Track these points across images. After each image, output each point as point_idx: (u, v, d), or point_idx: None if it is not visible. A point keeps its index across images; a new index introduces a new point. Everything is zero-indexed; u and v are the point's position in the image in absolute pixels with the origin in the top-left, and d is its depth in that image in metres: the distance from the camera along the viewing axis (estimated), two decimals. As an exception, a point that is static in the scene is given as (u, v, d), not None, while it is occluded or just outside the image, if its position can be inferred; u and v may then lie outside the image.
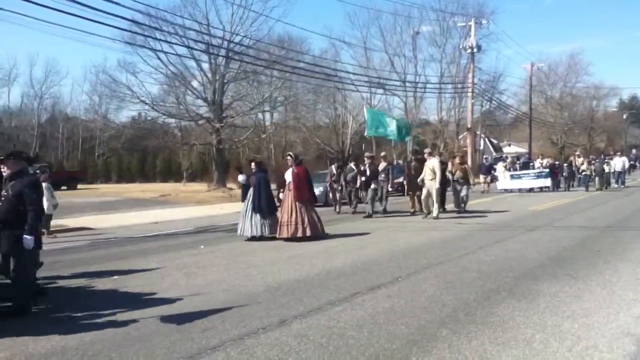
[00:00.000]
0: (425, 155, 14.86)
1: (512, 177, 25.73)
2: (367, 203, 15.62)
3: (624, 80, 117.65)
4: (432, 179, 13.95)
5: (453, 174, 15.66)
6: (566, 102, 62.67)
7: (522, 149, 51.11)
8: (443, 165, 15.25)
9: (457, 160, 16.30)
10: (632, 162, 46.35)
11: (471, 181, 16.03)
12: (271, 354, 4.26)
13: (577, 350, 4.23)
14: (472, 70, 36.11)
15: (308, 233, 10.51)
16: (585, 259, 8.06)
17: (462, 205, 15.60)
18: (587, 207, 17.19)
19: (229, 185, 32.38)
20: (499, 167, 27.09)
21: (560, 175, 27.26)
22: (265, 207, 10.89)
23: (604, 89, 66.52)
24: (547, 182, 25.00)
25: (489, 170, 27.40)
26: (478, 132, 44.25)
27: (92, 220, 16.53)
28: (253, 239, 10.82)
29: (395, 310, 5.38)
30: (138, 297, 6.26)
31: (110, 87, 39.02)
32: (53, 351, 4.48)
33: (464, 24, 39.54)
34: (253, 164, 11.65)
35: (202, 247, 10.28)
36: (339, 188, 17.42)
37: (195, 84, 34.46)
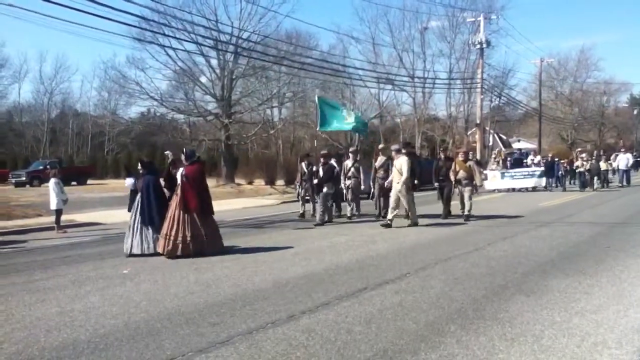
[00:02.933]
0: (393, 153, 12.30)
1: (503, 175, 23.74)
2: (321, 212, 12.86)
3: (635, 76, 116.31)
4: (399, 181, 11.70)
5: (456, 174, 13.38)
6: (576, 97, 62.32)
7: (532, 145, 50.80)
8: (449, 162, 13.73)
9: (460, 157, 13.71)
10: (637, 159, 43.95)
11: (478, 181, 13.89)
12: (279, 348, 4.28)
13: (586, 347, 4.22)
14: (481, 65, 35.93)
15: (191, 250, 8.47)
16: (595, 255, 8.03)
17: (463, 209, 13.23)
18: (597, 203, 17.09)
19: (238, 180, 32.47)
20: (490, 164, 25.37)
21: (557, 174, 25.12)
22: (158, 218, 8.88)
23: (615, 84, 66.17)
24: (542, 181, 23.21)
25: (477, 168, 26.23)
26: (487, 128, 44.03)
27: (102, 215, 16.63)
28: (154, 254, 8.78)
29: (403, 306, 5.39)
30: (148, 292, 6.31)
31: (119, 83, 39.20)
32: (65, 344, 4.53)
33: (473, 19, 39.42)
34: (140, 164, 9.63)
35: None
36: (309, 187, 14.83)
37: (203, 80, 34.50)
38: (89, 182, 36.18)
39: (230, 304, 5.62)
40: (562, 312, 5.10)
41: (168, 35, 29.31)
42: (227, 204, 20.38)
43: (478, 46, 35.24)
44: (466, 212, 13.05)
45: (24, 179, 33.41)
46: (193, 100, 34.77)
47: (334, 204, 14.21)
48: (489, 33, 36.38)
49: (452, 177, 13.41)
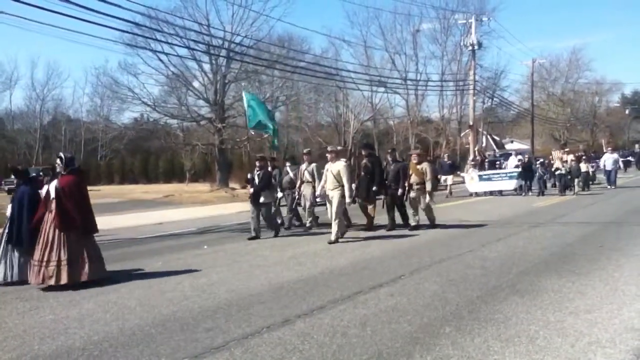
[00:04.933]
0: (329, 156, 10.57)
1: (480, 177, 22.05)
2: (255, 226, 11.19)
3: (626, 76, 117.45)
4: (334, 188, 10.19)
5: (409, 178, 11.70)
6: (568, 98, 62.75)
7: (525, 146, 51.07)
8: (398, 164, 12.08)
9: (413, 160, 11.98)
10: (627, 159, 42.35)
11: (428, 186, 11.60)
12: (275, 353, 4.28)
13: (580, 346, 4.24)
14: (473, 67, 36.07)
15: (64, 279, 6.88)
16: (588, 254, 8.07)
17: (416, 215, 11.79)
18: (589, 203, 17.18)
19: (232, 185, 32.45)
20: (467, 165, 23.78)
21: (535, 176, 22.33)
22: (29, 239, 7.31)
23: (606, 84, 66.72)
24: (519, 183, 21.46)
25: (451, 170, 23.56)
26: (480, 129, 44.21)
27: (96, 221, 16.55)
28: None
29: (398, 309, 5.40)
30: (142, 297, 6.29)
31: (111, 89, 39.19)
32: (59, 352, 4.50)
33: (464, 21, 39.56)
34: (13, 174, 7.82)
35: (206, 247, 10.31)
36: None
37: (196, 84, 34.56)
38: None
39: (225, 309, 5.61)
40: (556, 312, 5.12)
41: (160, 41, 29.36)
42: (222, 209, 20.40)
43: (470, 48, 35.38)
44: (412, 223, 11.74)
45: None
46: (186, 105, 34.77)
47: (292, 215, 12.87)
48: (480, 35, 36.56)
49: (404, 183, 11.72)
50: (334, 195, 10.16)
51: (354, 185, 11.10)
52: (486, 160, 25.62)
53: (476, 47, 35.17)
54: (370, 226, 11.77)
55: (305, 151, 13.57)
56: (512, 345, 4.29)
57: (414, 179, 11.67)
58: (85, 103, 60.46)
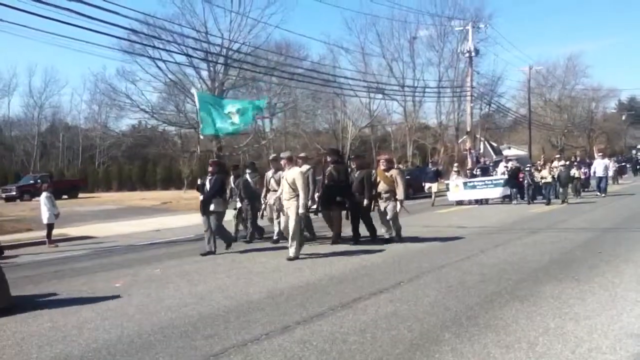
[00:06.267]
0: (283, 162, 9.66)
1: (465, 185, 20.87)
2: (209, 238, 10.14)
3: (623, 82, 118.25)
4: (290, 198, 9.16)
5: (376, 186, 10.73)
6: (565, 104, 62.98)
7: (522, 152, 51.11)
8: (363, 170, 11.02)
9: (381, 167, 10.91)
10: (621, 165, 39.65)
11: (399, 194, 10.49)
12: (275, 360, 4.26)
13: (581, 352, 4.23)
14: (470, 74, 36.18)
15: None
16: (587, 260, 8.06)
17: (389, 230, 10.72)
18: (588, 209, 17.19)
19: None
20: (452, 172, 22.41)
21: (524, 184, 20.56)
22: None
23: (603, 90, 66.96)
24: (505, 191, 20.36)
25: (435, 177, 22.32)
26: (477, 136, 44.28)
27: (94, 228, 16.54)
28: None
29: (397, 315, 5.38)
30: (141, 305, 6.26)
31: (109, 96, 39.31)
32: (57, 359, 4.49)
33: (461, 28, 39.72)
34: None
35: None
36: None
37: (194, 91, 34.59)
38: (80, 195, 35.96)
39: (224, 316, 5.59)
40: (556, 318, 5.11)
41: (158, 48, 29.41)
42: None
43: (467, 54, 35.50)
44: (393, 234, 10.71)
45: (14, 193, 33.19)
46: (184, 112, 34.80)
47: (250, 226, 11.79)
48: (477, 41, 36.68)
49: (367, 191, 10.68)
50: (290, 206, 9.14)
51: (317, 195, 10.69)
52: (477, 167, 24.12)
53: (473, 54, 35.31)
54: (336, 239, 10.83)
55: (271, 157, 12.14)
56: (512, 351, 4.28)
57: (382, 187, 10.67)
58: (83, 110, 60.44)
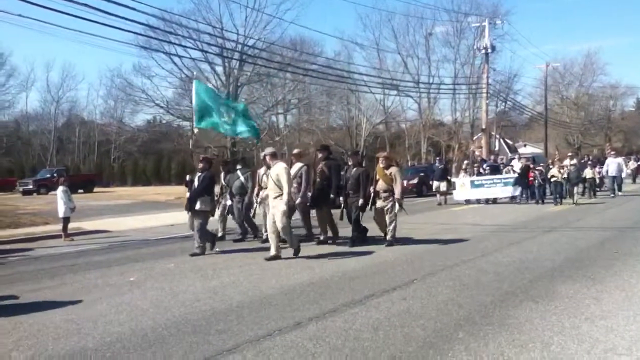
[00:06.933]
0: (267, 158, 9.26)
1: (472, 184, 20.19)
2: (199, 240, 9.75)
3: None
4: (277, 196, 8.74)
5: (375, 184, 10.04)
6: (582, 102, 62.26)
7: (538, 150, 50.70)
8: (361, 168, 10.38)
9: (380, 164, 10.15)
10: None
11: (397, 194, 9.83)
12: (287, 356, 4.27)
13: (596, 353, 4.18)
14: (486, 70, 35.89)
15: None
16: (603, 260, 7.97)
17: (392, 231, 9.95)
18: (604, 208, 16.99)
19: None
20: (460, 170, 22.01)
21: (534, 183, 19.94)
22: None
23: (621, 88, 65.96)
24: (516, 190, 19.67)
25: (443, 175, 21.30)
26: (493, 133, 43.98)
27: (109, 223, 16.69)
28: None
29: (410, 313, 5.36)
30: (155, 299, 6.31)
31: (125, 91, 39.61)
32: (72, 352, 4.53)
33: (477, 24, 39.43)
34: None
35: (217, 249, 10.32)
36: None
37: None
38: (95, 189, 36.32)
39: (237, 311, 5.61)
40: (571, 318, 5.06)
41: (174, 43, 29.56)
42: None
43: (483, 51, 35.21)
44: (388, 237, 9.96)
45: (31, 187, 33.59)
46: (199, 107, 34.87)
47: (247, 224, 11.42)
48: (493, 38, 36.33)
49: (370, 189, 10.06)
50: (276, 205, 8.71)
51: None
52: (485, 164, 22.93)
53: (489, 51, 35.01)
54: (326, 239, 10.47)
55: (262, 155, 10.86)
56: (527, 351, 4.24)
57: (381, 185, 9.97)
58: (99, 105, 61.10)
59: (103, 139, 57.00)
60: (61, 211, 13.26)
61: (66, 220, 13.34)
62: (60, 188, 13.63)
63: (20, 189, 33.96)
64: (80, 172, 45.53)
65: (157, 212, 20.40)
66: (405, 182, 25.39)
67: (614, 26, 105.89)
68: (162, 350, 4.49)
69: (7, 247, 12.18)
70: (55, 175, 32.10)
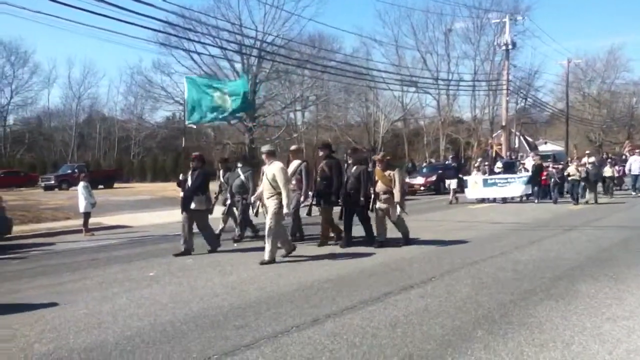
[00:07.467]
0: (264, 157, 8.76)
1: (485, 182, 19.46)
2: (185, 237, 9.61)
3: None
4: (270, 197, 8.33)
5: (374, 185, 9.69)
6: (604, 99, 61.24)
7: (559, 147, 50.02)
8: (358, 167, 9.87)
9: (378, 165, 9.92)
10: None
11: (396, 196, 9.49)
12: (305, 352, 4.27)
13: (618, 354, 4.12)
14: (506, 67, 35.47)
15: None
16: (625, 259, 7.85)
17: (401, 231, 9.82)
18: (627, 207, 16.71)
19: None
20: (473, 168, 21.32)
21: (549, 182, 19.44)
22: None
23: (645, 85, 64.57)
24: (528, 189, 18.87)
25: (455, 173, 20.81)
26: (513, 130, 43.49)
27: (129, 218, 16.86)
28: None
29: (429, 310, 5.33)
30: (174, 294, 6.36)
31: (145, 88, 40.04)
32: (93, 345, 4.59)
33: (498, 20, 39.03)
34: None
35: (235, 245, 10.36)
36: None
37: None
38: (115, 185, 36.72)
39: (254, 307, 5.63)
40: (593, 318, 4.99)
41: (193, 40, 29.73)
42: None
43: (503, 47, 34.80)
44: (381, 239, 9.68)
45: (53, 182, 34.08)
46: (217, 104, 35.07)
47: (239, 225, 10.97)
48: (514, 34, 35.94)
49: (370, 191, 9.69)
50: (270, 205, 8.31)
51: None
52: (501, 161, 22.24)
53: (510, 47, 34.58)
54: (338, 238, 10.06)
55: (261, 151, 10.45)
56: (547, 350, 4.19)
57: (380, 187, 9.65)
58: (120, 102, 61.67)
59: (123, 135, 57.58)
60: (82, 206, 13.43)
61: (87, 215, 13.50)
62: (81, 184, 13.80)
63: (42, 184, 34.48)
64: (101, 168, 46.00)
65: (176, 208, 20.47)
66: (423, 179, 25.57)
67: (638, 22, 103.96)
68: (181, 345, 4.53)
69: (30, 241, 12.38)
70: (76, 170, 32.51)
